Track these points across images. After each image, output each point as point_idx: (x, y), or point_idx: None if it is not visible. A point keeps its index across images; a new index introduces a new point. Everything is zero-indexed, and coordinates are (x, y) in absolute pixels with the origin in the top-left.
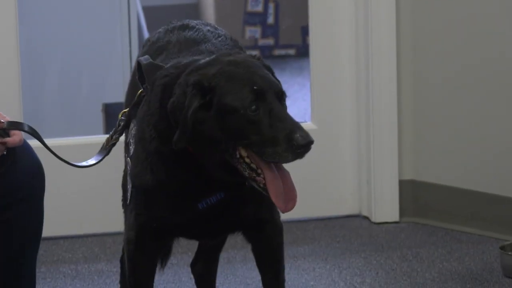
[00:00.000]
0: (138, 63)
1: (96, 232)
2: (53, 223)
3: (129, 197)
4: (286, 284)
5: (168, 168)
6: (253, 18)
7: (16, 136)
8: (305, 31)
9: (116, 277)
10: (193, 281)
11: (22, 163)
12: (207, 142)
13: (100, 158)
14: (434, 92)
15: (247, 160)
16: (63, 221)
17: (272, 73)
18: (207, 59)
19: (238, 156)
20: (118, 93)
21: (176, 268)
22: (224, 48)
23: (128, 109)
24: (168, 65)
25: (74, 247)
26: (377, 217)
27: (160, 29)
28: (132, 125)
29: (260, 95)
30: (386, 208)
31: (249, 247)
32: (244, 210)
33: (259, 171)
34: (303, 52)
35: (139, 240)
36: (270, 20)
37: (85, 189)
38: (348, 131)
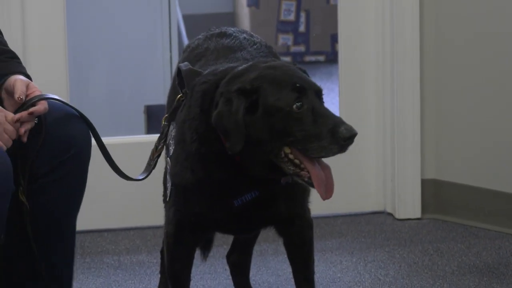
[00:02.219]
0: (178, 69)
1: (138, 226)
2: (98, 217)
3: (168, 195)
4: (315, 276)
5: (207, 168)
6: (285, 27)
7: (41, 105)
8: (334, 39)
9: (156, 268)
10: (228, 272)
11: (69, 125)
12: (253, 144)
13: (147, 174)
14: (456, 97)
15: (290, 156)
16: (107, 215)
17: (307, 76)
18: (244, 66)
19: (283, 155)
20: (158, 96)
21: (212, 260)
22: (259, 55)
23: (168, 114)
24: (206, 71)
25: (117, 239)
26: (400, 214)
27: (199, 36)
28: (171, 127)
29: (302, 93)
30: (408, 205)
31: (280, 240)
32: (277, 207)
33: (302, 165)
34: (332, 58)
35: (178, 234)
36: (302, 28)
37: (128, 186)
38: (374, 133)
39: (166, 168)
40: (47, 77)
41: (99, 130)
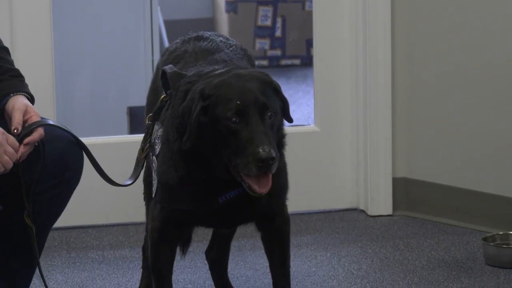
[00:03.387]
0: (163, 71)
1: (121, 222)
2: (83, 214)
3: (154, 192)
4: (291, 270)
5: (189, 166)
6: (262, 32)
7: (36, 133)
8: (309, 43)
9: (138, 262)
10: (207, 266)
11: (68, 148)
12: (208, 145)
13: (134, 179)
14: (425, 101)
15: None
16: (91, 212)
17: (276, 89)
18: (222, 70)
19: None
20: (141, 97)
21: (192, 255)
22: (236, 56)
23: (152, 113)
24: (191, 73)
25: (101, 235)
26: (372, 211)
27: (177, 40)
28: (156, 127)
29: (241, 111)
30: (380, 202)
31: (257, 236)
32: (257, 204)
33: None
34: (307, 62)
35: (163, 230)
36: (278, 33)
37: (111, 185)
38: (347, 134)
39: (148, 166)
40: (34, 79)
41: (84, 131)
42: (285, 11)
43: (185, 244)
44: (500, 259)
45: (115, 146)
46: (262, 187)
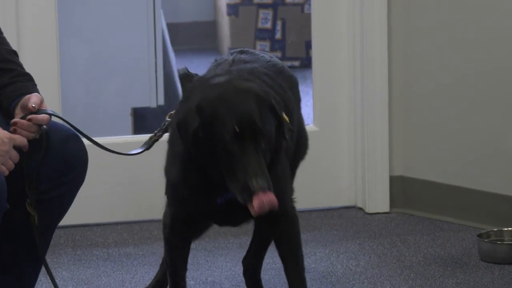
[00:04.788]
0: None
1: (125, 220)
2: (88, 212)
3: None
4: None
5: (188, 168)
6: (263, 34)
7: (42, 116)
8: (308, 45)
9: (142, 259)
10: (209, 263)
11: (73, 147)
12: (205, 157)
13: (142, 149)
14: (422, 100)
15: None
16: (97, 210)
17: (273, 108)
18: (222, 79)
19: None
20: (144, 99)
21: (195, 251)
22: (264, 66)
23: (174, 111)
24: (198, 76)
25: (106, 233)
26: (370, 208)
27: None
28: (168, 119)
29: (239, 135)
30: (378, 200)
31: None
32: None
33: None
34: (306, 63)
35: (173, 226)
36: (278, 35)
37: (116, 184)
38: (346, 133)
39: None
40: (39, 80)
41: (88, 131)
42: (284, 14)
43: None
44: (495, 255)
45: (119, 146)
46: (259, 209)
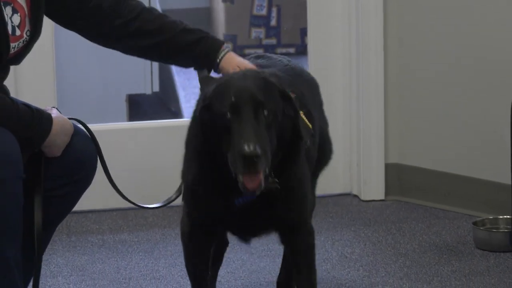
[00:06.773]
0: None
1: (120, 207)
2: (83, 199)
3: (182, 193)
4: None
5: (202, 165)
6: (258, 21)
7: None
8: (303, 32)
9: (137, 246)
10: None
11: (83, 147)
12: (212, 143)
13: (160, 204)
14: (417, 88)
15: None
16: (91, 197)
17: (285, 96)
18: (236, 72)
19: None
20: (139, 85)
21: None
22: (280, 68)
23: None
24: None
25: (101, 220)
26: (365, 196)
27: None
28: None
29: (234, 108)
30: (373, 188)
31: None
32: (274, 210)
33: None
34: (301, 50)
35: (191, 233)
36: (273, 22)
37: (110, 170)
38: (341, 121)
39: None
40: (35, 67)
41: (85, 118)
42: (280, 0)
43: (221, 247)
44: (490, 243)
45: (114, 132)
46: (250, 184)
